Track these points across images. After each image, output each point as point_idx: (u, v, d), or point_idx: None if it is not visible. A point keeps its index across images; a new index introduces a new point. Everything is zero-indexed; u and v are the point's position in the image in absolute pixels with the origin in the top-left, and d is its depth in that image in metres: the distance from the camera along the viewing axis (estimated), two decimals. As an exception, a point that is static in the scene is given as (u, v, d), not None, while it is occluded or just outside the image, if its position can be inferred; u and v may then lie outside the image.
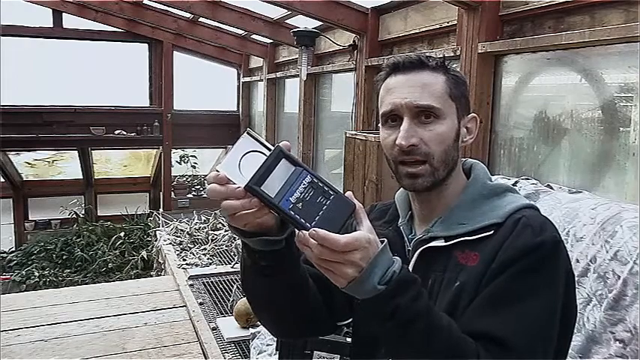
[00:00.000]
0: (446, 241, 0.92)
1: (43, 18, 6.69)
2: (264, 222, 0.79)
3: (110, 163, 8.19)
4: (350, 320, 1.09)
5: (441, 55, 1.02)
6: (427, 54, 0.98)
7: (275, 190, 0.73)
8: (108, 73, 6.96)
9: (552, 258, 0.87)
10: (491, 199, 0.96)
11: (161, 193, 7.44)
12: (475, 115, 1.02)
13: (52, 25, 6.76)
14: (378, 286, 0.77)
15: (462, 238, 0.91)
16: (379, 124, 1.04)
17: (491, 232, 0.90)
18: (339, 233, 0.74)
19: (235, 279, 4.16)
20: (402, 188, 1.09)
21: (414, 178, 0.94)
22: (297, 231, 0.75)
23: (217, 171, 0.78)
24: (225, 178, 0.76)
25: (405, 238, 1.01)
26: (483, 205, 0.95)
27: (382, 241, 0.79)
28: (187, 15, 6.06)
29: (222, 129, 7.77)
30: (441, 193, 0.98)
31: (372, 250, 0.77)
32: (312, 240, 0.74)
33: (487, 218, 0.92)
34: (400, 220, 1.04)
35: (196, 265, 4.57)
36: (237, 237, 0.90)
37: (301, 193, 0.74)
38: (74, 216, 7.38)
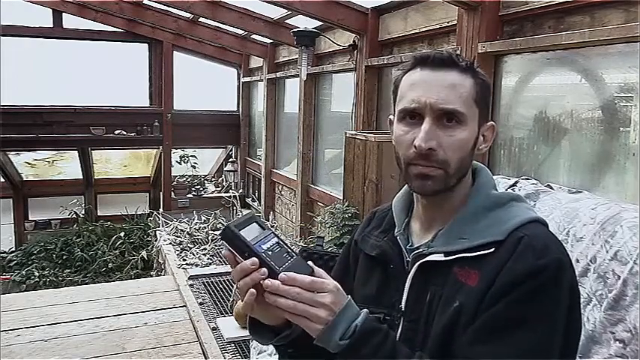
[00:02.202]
0: (445, 256, 0.90)
1: (43, 18, 6.69)
2: (273, 319, 0.88)
3: (110, 163, 8.19)
4: None
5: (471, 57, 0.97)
6: (457, 53, 0.95)
7: (249, 237, 0.84)
8: (108, 73, 6.96)
9: (554, 282, 0.83)
10: (494, 211, 0.92)
11: (161, 193, 7.44)
12: (493, 123, 0.97)
13: (52, 25, 6.77)
14: (339, 341, 0.81)
15: (462, 255, 0.89)
16: (388, 117, 1.00)
17: (492, 249, 0.87)
18: None
19: (235, 279, 4.15)
20: (400, 193, 1.06)
21: (425, 179, 0.90)
22: (266, 284, 0.82)
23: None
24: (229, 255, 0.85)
25: (404, 249, 0.98)
26: (485, 218, 0.91)
27: (347, 296, 0.85)
28: (187, 15, 6.06)
29: (222, 129, 7.78)
30: (449, 198, 0.95)
31: (342, 297, 0.83)
32: (282, 286, 0.80)
33: (488, 234, 0.88)
34: (396, 230, 1.01)
35: (196, 265, 4.57)
36: (261, 343, 0.98)
37: (271, 246, 0.85)
38: (74, 216, 7.38)
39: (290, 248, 0.88)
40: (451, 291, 0.88)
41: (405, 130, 0.91)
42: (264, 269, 0.82)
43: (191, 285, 4.02)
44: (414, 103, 0.89)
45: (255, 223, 0.87)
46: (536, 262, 0.83)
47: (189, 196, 7.49)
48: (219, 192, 7.65)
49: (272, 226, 5.77)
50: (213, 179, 8.36)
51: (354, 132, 3.65)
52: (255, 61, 7.12)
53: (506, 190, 2.03)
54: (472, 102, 0.90)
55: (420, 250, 0.95)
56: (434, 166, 0.89)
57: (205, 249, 5.03)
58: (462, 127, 0.89)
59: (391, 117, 1.00)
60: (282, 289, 0.80)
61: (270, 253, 0.84)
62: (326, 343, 0.82)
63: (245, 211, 6.84)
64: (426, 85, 0.89)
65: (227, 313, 3.43)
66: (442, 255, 0.90)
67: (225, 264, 4.64)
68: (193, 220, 5.85)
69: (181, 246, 5.19)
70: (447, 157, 0.89)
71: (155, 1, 5.50)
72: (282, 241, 0.87)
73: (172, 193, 7.41)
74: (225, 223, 0.85)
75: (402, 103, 0.92)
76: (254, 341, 2.89)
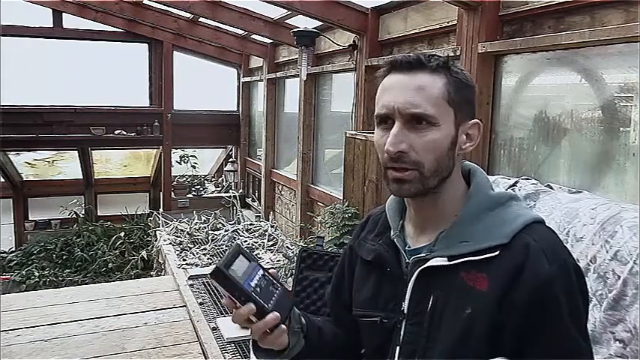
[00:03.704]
0: (449, 260, 0.89)
1: (43, 18, 6.69)
2: (282, 341, 0.94)
3: (110, 163, 8.19)
4: None
5: (445, 55, 0.95)
6: (431, 53, 0.92)
7: (238, 275, 0.89)
8: (108, 73, 6.97)
9: (577, 284, 0.87)
10: (495, 211, 0.92)
11: (161, 193, 7.44)
12: (478, 121, 0.95)
13: (52, 25, 6.77)
14: None
15: (467, 258, 0.88)
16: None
17: (497, 252, 0.86)
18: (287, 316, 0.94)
19: (235, 279, 4.15)
20: (392, 196, 1.05)
21: (400, 184, 0.90)
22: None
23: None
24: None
25: (402, 252, 0.97)
26: (487, 219, 0.91)
27: None
28: (187, 15, 6.06)
29: (222, 129, 7.78)
30: (435, 200, 0.94)
31: None
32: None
33: (492, 237, 0.88)
34: (392, 233, 1.00)
35: (196, 265, 4.57)
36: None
37: (258, 281, 0.90)
38: (74, 216, 7.38)
39: (274, 279, 0.94)
40: (460, 296, 0.87)
41: (380, 135, 0.92)
42: (274, 314, 0.89)
43: (191, 285, 4.02)
44: (384, 108, 0.90)
45: (241, 255, 0.91)
46: (552, 268, 0.84)
47: (189, 196, 7.49)
48: (219, 192, 7.65)
49: (272, 225, 5.78)
50: (213, 179, 8.36)
51: (354, 132, 3.66)
52: (255, 61, 7.12)
53: (506, 190, 2.03)
54: (443, 102, 0.89)
55: (422, 254, 0.93)
56: (407, 168, 0.89)
57: (205, 249, 5.03)
58: (434, 129, 0.88)
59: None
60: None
61: (258, 290, 0.89)
62: None
63: (245, 212, 6.83)
64: (394, 90, 0.90)
65: (227, 313, 3.43)
66: (446, 259, 0.89)
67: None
68: (193, 220, 5.85)
69: (181, 246, 5.19)
70: (420, 158, 0.88)
71: (155, 1, 5.50)
72: (266, 271, 0.93)
73: (172, 193, 7.41)
74: (215, 265, 0.88)
75: (376, 108, 0.93)
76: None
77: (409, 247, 0.97)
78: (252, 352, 1.00)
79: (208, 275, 0.91)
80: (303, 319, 1.00)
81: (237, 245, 0.95)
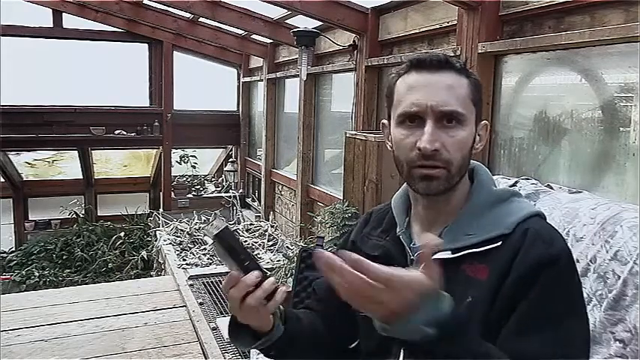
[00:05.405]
0: (453, 253, 0.90)
1: (43, 18, 6.68)
2: (265, 323, 0.92)
3: (110, 163, 8.19)
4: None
5: (459, 59, 0.98)
6: (449, 55, 0.96)
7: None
8: (108, 73, 6.96)
9: (570, 270, 0.87)
10: (498, 206, 0.94)
11: (161, 193, 7.44)
12: (487, 121, 0.99)
13: (52, 25, 6.76)
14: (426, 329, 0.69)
15: (470, 250, 0.89)
16: (381, 122, 1.02)
17: (499, 243, 0.89)
18: None
19: (235, 279, 4.14)
20: (398, 194, 1.07)
21: (429, 181, 0.91)
22: (317, 253, 0.70)
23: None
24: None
25: (407, 248, 0.98)
26: (490, 213, 0.93)
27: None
28: (187, 15, 6.06)
29: (222, 129, 7.78)
30: (450, 197, 0.96)
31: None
32: (346, 267, 0.67)
33: (494, 228, 0.90)
34: (398, 229, 1.01)
35: (196, 265, 4.57)
36: (242, 348, 0.99)
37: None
38: (74, 216, 7.37)
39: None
40: (462, 288, 0.88)
41: (405, 134, 0.92)
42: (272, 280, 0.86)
43: (191, 285, 4.02)
44: (415, 106, 0.90)
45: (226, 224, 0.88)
46: (547, 251, 0.85)
47: (189, 196, 7.49)
48: (219, 192, 7.65)
49: (272, 225, 5.78)
50: (213, 179, 8.36)
51: (354, 132, 3.65)
52: (255, 61, 7.12)
53: (506, 190, 2.03)
54: (469, 102, 0.92)
55: None
56: (438, 166, 0.90)
57: (205, 249, 5.03)
58: (462, 127, 0.91)
59: (385, 122, 1.01)
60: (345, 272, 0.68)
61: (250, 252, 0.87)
62: (399, 334, 0.72)
63: (245, 212, 6.84)
64: (424, 88, 0.90)
65: (227, 313, 3.43)
66: (450, 252, 0.90)
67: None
68: (193, 220, 5.86)
69: (181, 246, 5.20)
70: (450, 156, 0.90)
71: (155, 1, 5.50)
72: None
73: (172, 193, 7.41)
74: (217, 224, 0.81)
75: (401, 106, 0.92)
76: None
77: (414, 244, 0.98)
78: (229, 336, 0.97)
79: (213, 238, 0.83)
80: (280, 305, 0.96)
81: (217, 216, 0.94)
